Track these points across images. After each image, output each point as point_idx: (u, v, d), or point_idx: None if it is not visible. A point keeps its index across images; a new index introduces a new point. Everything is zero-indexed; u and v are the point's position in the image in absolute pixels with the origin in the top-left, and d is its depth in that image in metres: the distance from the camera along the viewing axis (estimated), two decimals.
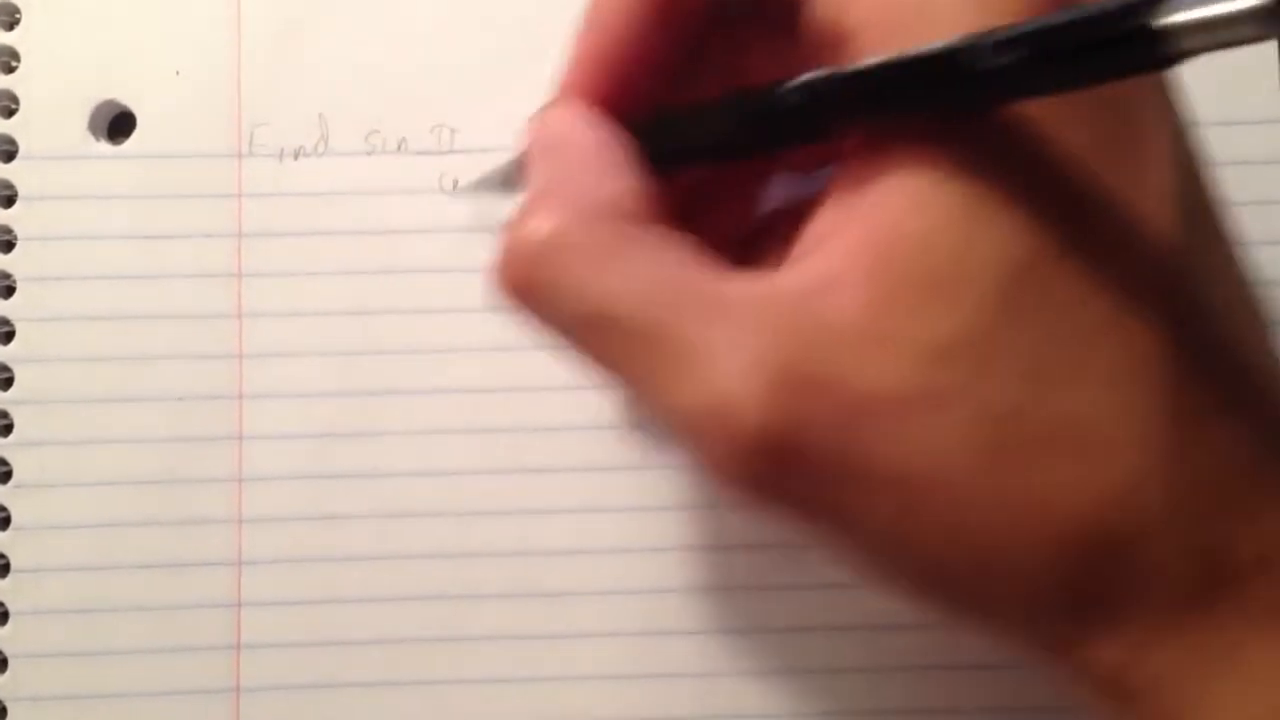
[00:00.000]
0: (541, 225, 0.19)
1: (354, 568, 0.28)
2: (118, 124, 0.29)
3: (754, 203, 0.26)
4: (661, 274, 0.19)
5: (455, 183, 0.29)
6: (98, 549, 0.28)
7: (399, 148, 0.29)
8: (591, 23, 0.22)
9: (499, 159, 0.25)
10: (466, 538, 0.28)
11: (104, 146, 0.29)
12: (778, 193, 0.25)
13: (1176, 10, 0.14)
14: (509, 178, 0.25)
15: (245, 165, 0.29)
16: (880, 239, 0.18)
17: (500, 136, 0.27)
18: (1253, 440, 0.18)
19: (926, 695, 0.27)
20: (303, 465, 0.28)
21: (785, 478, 0.18)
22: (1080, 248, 0.17)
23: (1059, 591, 0.18)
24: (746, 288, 0.18)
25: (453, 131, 0.29)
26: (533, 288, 0.19)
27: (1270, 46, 0.29)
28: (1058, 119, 0.18)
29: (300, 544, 0.28)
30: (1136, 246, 0.18)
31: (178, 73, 0.29)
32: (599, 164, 0.20)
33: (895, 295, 0.17)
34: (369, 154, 0.29)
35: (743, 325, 0.18)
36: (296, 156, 0.29)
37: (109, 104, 0.29)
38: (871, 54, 0.18)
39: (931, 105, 0.18)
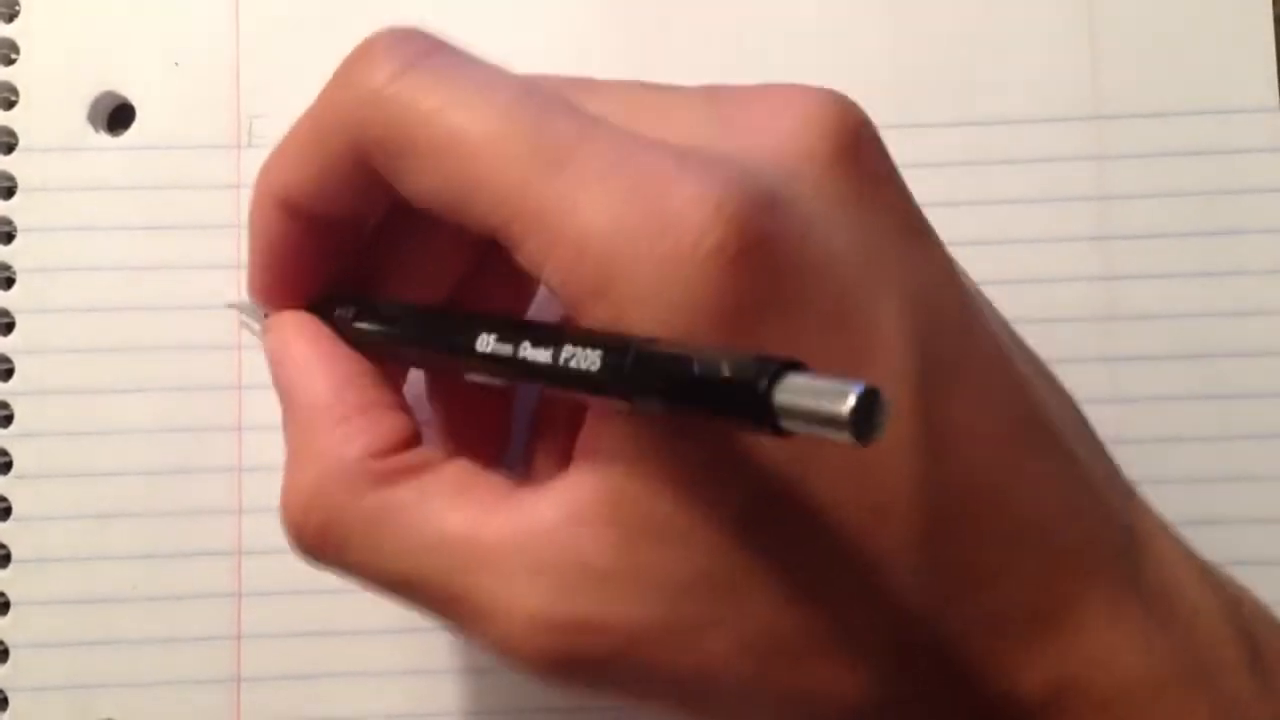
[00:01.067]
0: (307, 517, 0.20)
1: None
2: (117, 115, 0.29)
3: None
4: (423, 538, 0.20)
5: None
6: (98, 539, 0.28)
7: None
8: (251, 234, 0.22)
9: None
10: None
11: (103, 138, 0.29)
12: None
13: (782, 392, 0.15)
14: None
15: (244, 156, 0.29)
16: (610, 492, 0.18)
17: None
18: (1024, 605, 0.19)
19: None
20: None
21: (584, 690, 0.19)
22: (804, 489, 0.18)
23: None
24: (505, 529, 0.19)
25: None
26: (323, 563, 0.21)
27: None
28: None
29: None
30: (865, 473, 0.18)
31: (177, 64, 0.29)
32: (340, 417, 0.21)
33: (635, 539, 0.18)
34: None
35: (509, 574, 0.19)
36: None
37: (108, 95, 0.29)
38: (574, 316, 0.18)
39: (598, 395, 0.18)
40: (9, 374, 0.28)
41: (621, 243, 0.17)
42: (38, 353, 0.28)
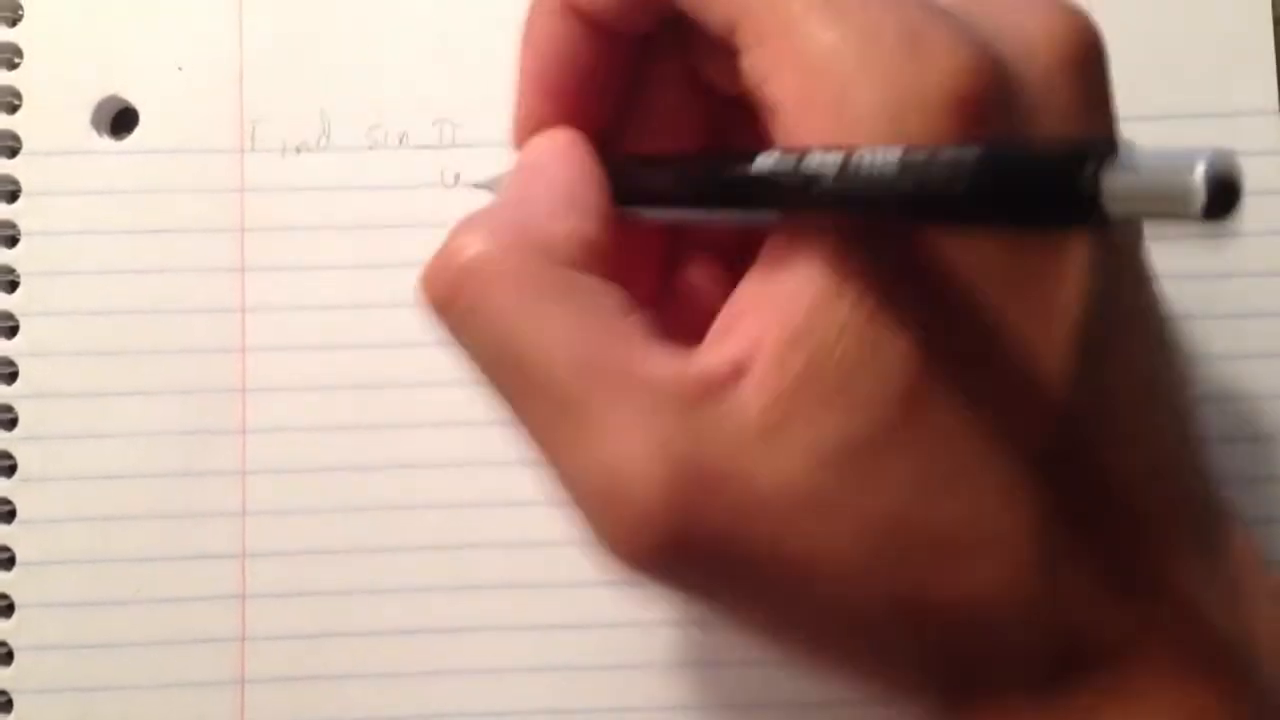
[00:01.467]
0: (472, 243, 0.19)
1: (358, 559, 0.28)
2: (120, 119, 0.29)
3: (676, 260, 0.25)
4: (580, 331, 0.18)
5: (457, 177, 0.29)
6: (103, 542, 0.28)
7: (400, 142, 0.29)
8: (527, 50, 0.22)
9: (500, 155, 0.25)
10: (471, 528, 0.28)
11: (107, 142, 0.29)
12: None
13: (1119, 175, 0.13)
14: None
15: (248, 160, 0.29)
16: (788, 334, 0.18)
17: (502, 131, 0.27)
18: (1121, 544, 0.19)
19: None
20: (306, 458, 0.28)
21: (674, 562, 0.18)
22: (972, 370, 0.18)
23: (933, 672, 0.19)
24: (660, 366, 0.18)
25: (454, 126, 0.29)
26: (452, 305, 0.19)
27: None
28: (967, 240, 0.18)
29: (304, 536, 0.28)
30: (1029, 374, 0.18)
31: (180, 68, 0.29)
32: (559, 198, 0.20)
33: (797, 394, 0.18)
34: (371, 149, 0.29)
35: (649, 406, 0.18)
36: (299, 151, 0.29)
37: (112, 99, 0.29)
38: (789, 133, 0.18)
39: (846, 214, 0.18)
40: (13, 377, 0.28)
41: (865, 67, 0.17)
42: (42, 356, 0.28)
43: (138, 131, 0.29)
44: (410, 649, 0.28)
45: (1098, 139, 0.14)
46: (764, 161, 0.18)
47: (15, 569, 0.28)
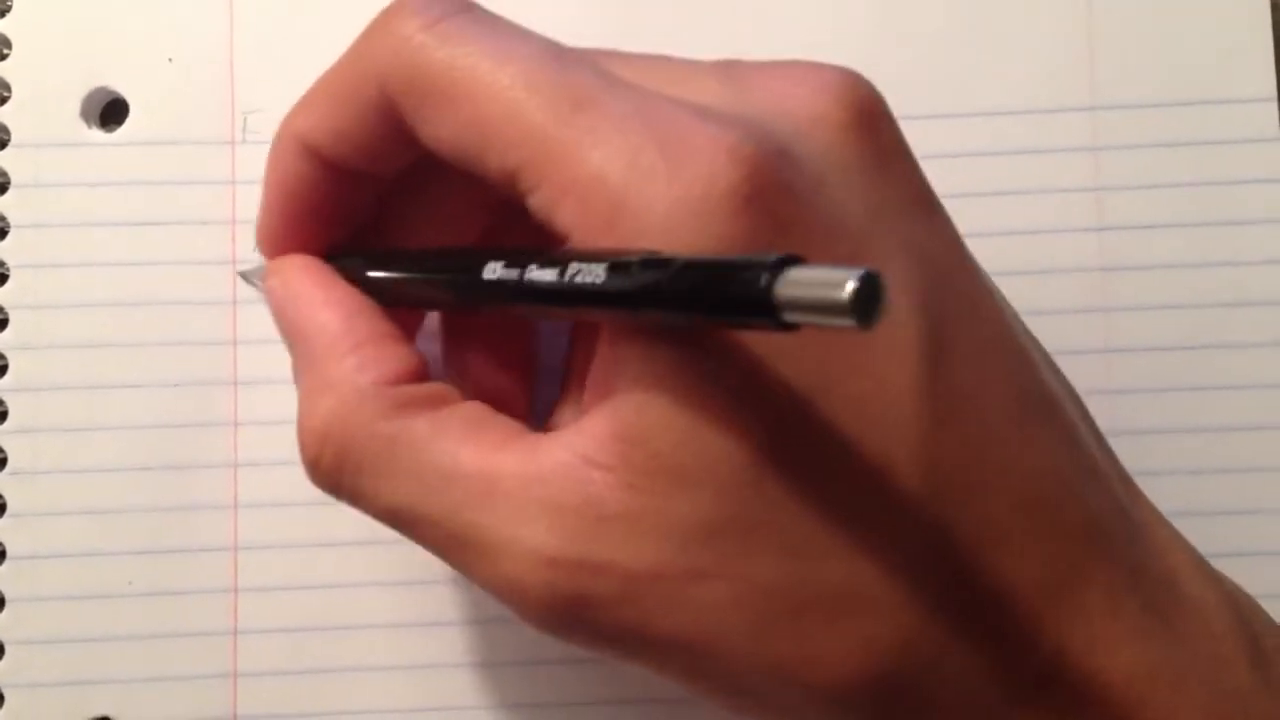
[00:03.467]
0: (324, 445, 0.21)
1: (350, 552, 0.28)
2: (110, 111, 0.29)
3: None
4: (435, 471, 0.20)
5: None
6: (93, 535, 0.28)
7: None
8: (268, 175, 0.23)
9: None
10: None
11: (96, 134, 0.29)
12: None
13: (783, 284, 0.15)
14: None
15: (239, 152, 0.29)
16: (621, 430, 0.18)
17: None
18: (1011, 570, 0.19)
19: None
20: (298, 451, 0.28)
21: (583, 636, 0.20)
22: (815, 442, 0.18)
23: None
24: (517, 466, 0.19)
25: None
26: (337, 494, 0.21)
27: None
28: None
29: (296, 529, 0.28)
30: (877, 437, 0.18)
31: (170, 60, 0.29)
32: (351, 347, 0.21)
33: (644, 482, 0.18)
34: None
35: (517, 512, 0.19)
36: None
37: (101, 91, 0.29)
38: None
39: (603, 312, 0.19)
40: (3, 370, 0.28)
41: (635, 181, 0.18)
42: (32, 349, 0.28)
43: (128, 123, 0.29)
44: (402, 642, 0.28)
45: (779, 257, 0.15)
46: (492, 269, 0.20)
47: (6, 563, 0.28)
